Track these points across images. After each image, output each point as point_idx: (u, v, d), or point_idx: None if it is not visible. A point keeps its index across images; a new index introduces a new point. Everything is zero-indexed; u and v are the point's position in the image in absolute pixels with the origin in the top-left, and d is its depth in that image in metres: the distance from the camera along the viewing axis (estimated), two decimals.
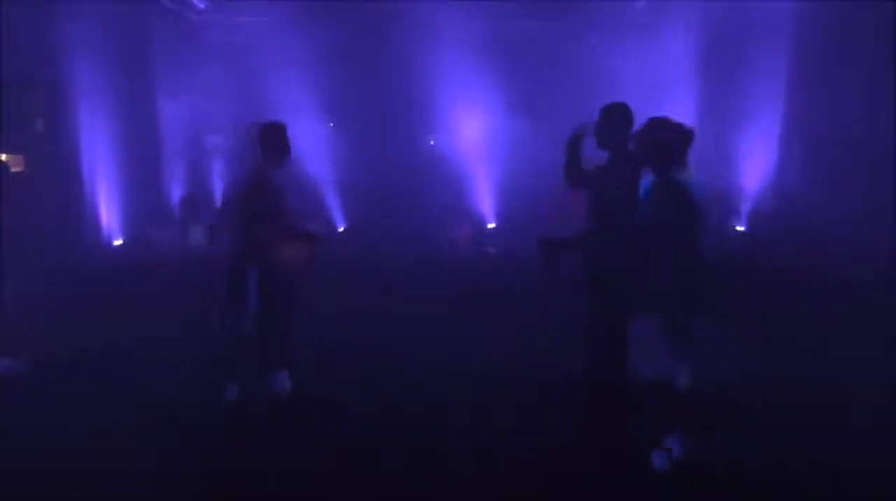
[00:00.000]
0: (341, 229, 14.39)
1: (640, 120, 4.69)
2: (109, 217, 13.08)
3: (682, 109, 12.08)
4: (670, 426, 4.45)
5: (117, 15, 11.63)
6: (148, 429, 5.31)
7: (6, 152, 11.28)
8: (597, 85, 11.36)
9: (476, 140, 14.14)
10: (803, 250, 10.09)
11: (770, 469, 4.50)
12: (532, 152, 12.65)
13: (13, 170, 11.50)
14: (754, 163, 12.19)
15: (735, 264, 10.00)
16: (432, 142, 15.61)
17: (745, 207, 12.34)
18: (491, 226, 14.35)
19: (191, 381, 6.27)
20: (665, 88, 12.09)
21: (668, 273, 4.30)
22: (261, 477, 4.59)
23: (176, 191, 14.58)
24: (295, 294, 5.79)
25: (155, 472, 4.67)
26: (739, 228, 12.41)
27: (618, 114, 5.09)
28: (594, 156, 5.25)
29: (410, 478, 4.54)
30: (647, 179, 4.54)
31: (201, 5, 13.49)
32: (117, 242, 13.16)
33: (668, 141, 4.37)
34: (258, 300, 5.52)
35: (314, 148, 12.75)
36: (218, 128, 14.51)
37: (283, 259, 5.57)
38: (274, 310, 5.59)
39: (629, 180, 4.70)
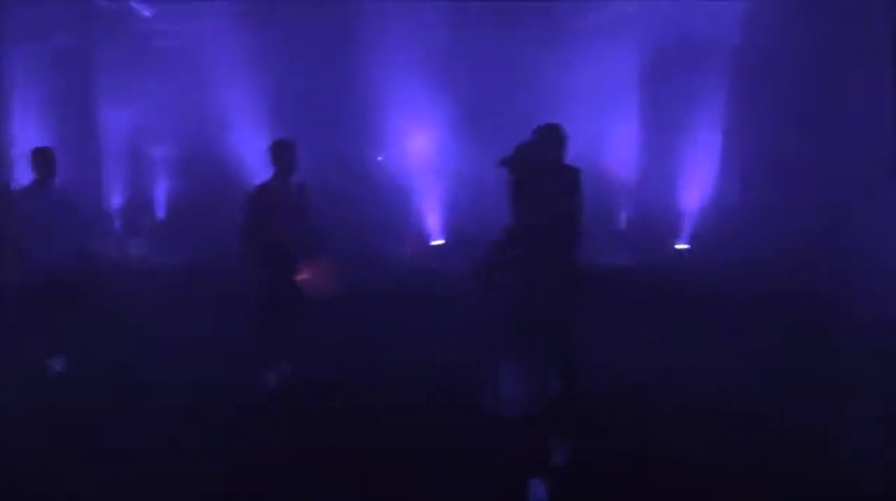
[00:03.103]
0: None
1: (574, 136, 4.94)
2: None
3: (626, 124, 12.38)
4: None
5: (59, 21, 11.38)
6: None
7: None
8: (541, 100, 11.45)
9: (423, 156, 14.11)
10: (745, 267, 10.29)
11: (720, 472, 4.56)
12: (479, 168, 12.66)
13: None
14: (696, 180, 12.41)
15: (677, 282, 10.24)
16: (380, 159, 15.50)
17: (688, 225, 12.54)
18: (437, 242, 14.31)
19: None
20: (610, 103, 12.26)
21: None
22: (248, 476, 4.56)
23: (117, 202, 14.20)
24: (298, 292, 6.41)
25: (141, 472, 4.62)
26: (682, 246, 12.60)
27: (553, 134, 5.07)
28: None
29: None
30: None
31: (147, 13, 13.29)
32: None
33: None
34: (266, 298, 6.44)
35: (256, 159, 12.54)
36: (161, 137, 14.22)
37: (287, 263, 6.33)
38: (278, 311, 6.42)
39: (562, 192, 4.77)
